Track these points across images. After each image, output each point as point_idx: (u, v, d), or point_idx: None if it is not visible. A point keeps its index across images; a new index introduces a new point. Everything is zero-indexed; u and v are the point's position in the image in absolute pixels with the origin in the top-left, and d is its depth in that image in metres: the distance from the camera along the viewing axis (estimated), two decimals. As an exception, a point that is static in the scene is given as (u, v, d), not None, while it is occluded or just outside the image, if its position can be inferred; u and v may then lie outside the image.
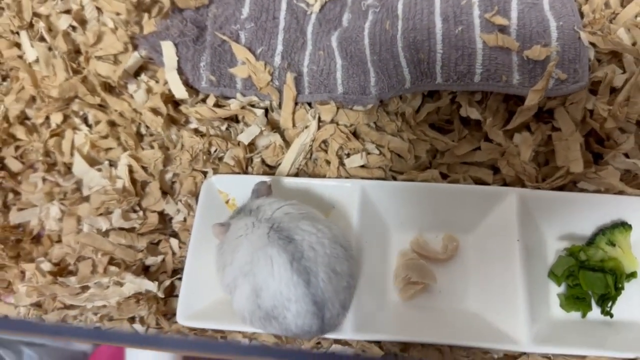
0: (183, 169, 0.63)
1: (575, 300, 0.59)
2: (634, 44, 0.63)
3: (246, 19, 0.67)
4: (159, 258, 0.63)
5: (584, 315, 0.59)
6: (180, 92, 0.64)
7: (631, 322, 0.59)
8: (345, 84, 0.64)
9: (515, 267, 0.57)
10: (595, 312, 0.59)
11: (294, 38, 0.67)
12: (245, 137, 0.63)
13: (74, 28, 0.71)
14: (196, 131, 0.65)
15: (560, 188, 0.62)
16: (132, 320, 0.61)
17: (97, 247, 0.61)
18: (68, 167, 0.69)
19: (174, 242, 0.64)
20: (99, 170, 0.64)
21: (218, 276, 0.55)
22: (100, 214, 0.62)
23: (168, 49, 0.64)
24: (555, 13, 0.62)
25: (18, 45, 0.71)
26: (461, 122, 0.66)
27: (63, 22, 0.70)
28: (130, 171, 0.64)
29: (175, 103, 0.67)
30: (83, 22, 0.71)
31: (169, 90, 0.64)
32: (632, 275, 0.59)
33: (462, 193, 0.61)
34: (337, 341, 0.58)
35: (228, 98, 0.66)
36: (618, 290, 0.58)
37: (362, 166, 0.65)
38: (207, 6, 0.68)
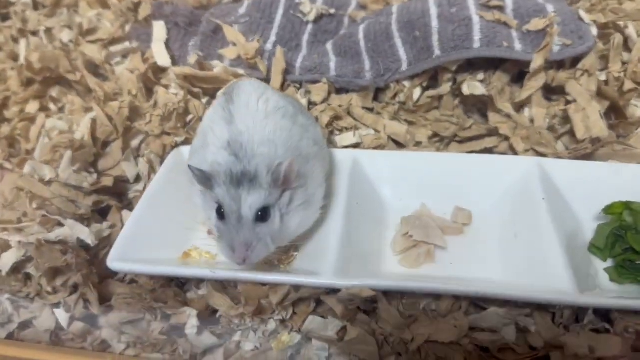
0: (152, 128, 0.56)
1: (629, 268, 0.46)
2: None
3: (242, 16, 0.67)
4: (105, 226, 0.51)
5: (641, 283, 0.45)
6: (163, 59, 0.61)
7: None
8: (338, 70, 0.61)
9: (549, 231, 0.45)
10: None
11: (288, 37, 0.66)
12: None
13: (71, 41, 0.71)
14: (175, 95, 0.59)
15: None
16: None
17: (35, 192, 0.50)
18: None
19: (126, 214, 0.53)
20: (60, 119, 0.57)
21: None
22: (47, 162, 0.53)
23: (159, 27, 0.64)
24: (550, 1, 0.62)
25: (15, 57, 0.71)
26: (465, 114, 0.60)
27: (65, 36, 0.71)
28: (94, 128, 0.55)
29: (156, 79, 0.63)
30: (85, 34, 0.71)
31: (152, 58, 0.61)
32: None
33: (477, 163, 0.54)
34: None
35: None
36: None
37: (355, 145, 0.57)
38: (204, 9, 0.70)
